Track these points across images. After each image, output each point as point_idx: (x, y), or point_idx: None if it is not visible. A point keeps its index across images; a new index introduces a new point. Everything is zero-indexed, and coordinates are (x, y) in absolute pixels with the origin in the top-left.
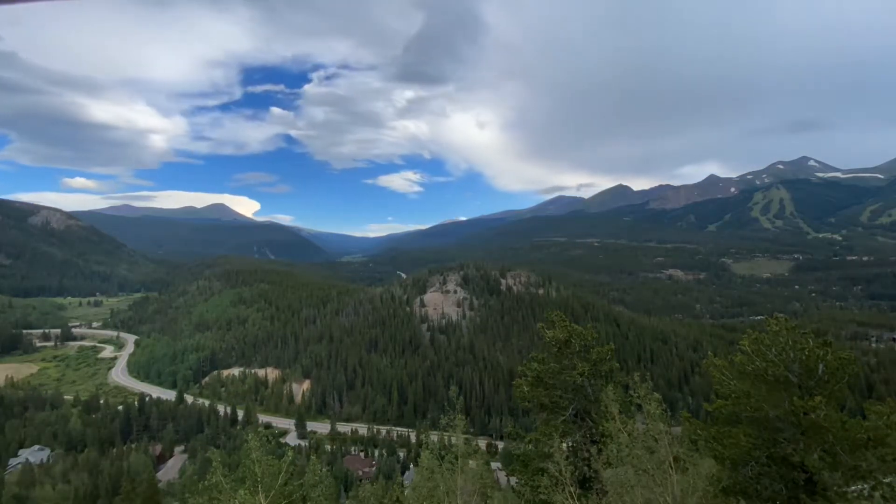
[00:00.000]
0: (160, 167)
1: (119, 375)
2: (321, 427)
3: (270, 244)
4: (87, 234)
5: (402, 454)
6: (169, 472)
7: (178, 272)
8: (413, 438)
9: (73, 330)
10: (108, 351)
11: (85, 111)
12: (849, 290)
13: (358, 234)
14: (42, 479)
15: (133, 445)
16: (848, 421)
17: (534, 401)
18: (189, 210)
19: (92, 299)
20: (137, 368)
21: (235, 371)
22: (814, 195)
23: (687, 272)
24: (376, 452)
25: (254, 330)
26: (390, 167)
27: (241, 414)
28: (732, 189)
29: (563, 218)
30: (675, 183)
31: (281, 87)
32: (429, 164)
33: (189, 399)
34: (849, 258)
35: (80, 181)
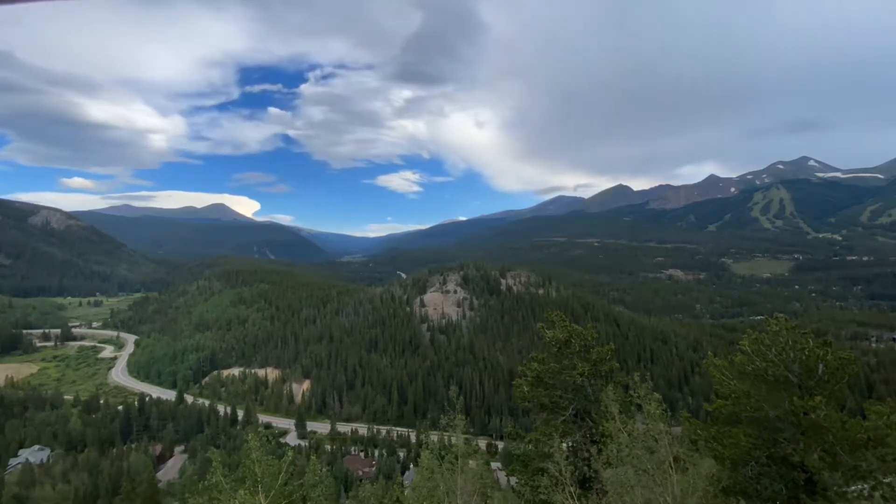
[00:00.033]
0: (159, 167)
1: (119, 375)
2: (321, 427)
3: (270, 244)
4: (87, 234)
5: (402, 454)
6: (169, 472)
7: (178, 272)
8: (413, 438)
9: (73, 330)
10: (108, 351)
11: (82, 111)
12: (849, 290)
13: (358, 234)
14: (42, 479)
15: (133, 445)
16: (848, 421)
17: (534, 401)
18: (189, 210)
19: (92, 299)
20: (137, 368)
21: (235, 371)
22: (814, 195)
23: (687, 272)
24: (376, 452)
25: (254, 330)
26: (389, 167)
27: (241, 414)
28: (732, 189)
29: (563, 218)
30: (675, 183)
31: (278, 87)
32: (427, 163)
33: (189, 399)
34: (849, 258)
35: (78, 181)
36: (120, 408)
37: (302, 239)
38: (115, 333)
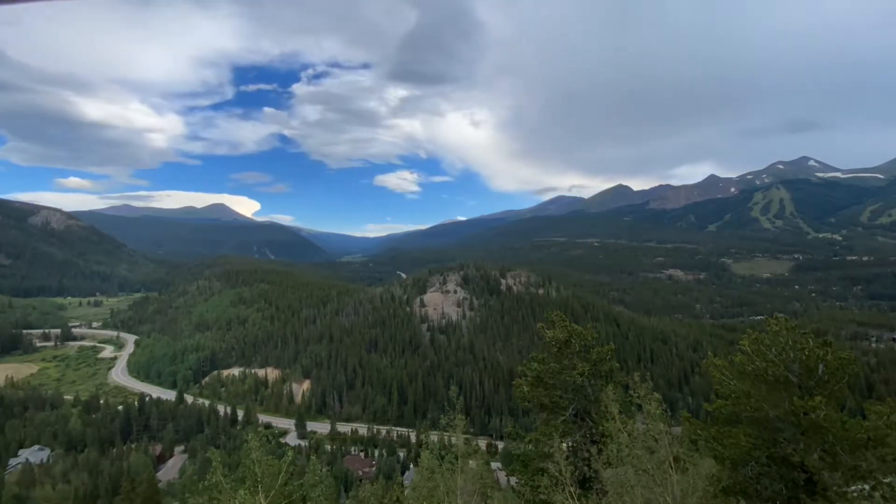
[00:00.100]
0: (157, 167)
1: (119, 375)
2: (321, 427)
3: (270, 244)
4: (87, 234)
5: (402, 454)
6: (169, 472)
7: (178, 272)
8: (413, 438)
9: (73, 330)
10: (108, 351)
11: (77, 109)
12: (849, 290)
13: (357, 234)
14: (42, 479)
15: (133, 445)
16: (848, 421)
17: (534, 401)
18: (189, 210)
19: (92, 299)
20: (137, 368)
21: (235, 371)
22: (814, 195)
23: (687, 272)
24: (376, 452)
25: (254, 330)
26: (387, 167)
27: (241, 414)
28: (732, 189)
29: (563, 218)
30: (672, 183)
31: (273, 87)
32: (425, 163)
33: (189, 399)
34: (849, 258)
35: (74, 181)
36: (120, 408)
37: (302, 239)
38: (115, 333)
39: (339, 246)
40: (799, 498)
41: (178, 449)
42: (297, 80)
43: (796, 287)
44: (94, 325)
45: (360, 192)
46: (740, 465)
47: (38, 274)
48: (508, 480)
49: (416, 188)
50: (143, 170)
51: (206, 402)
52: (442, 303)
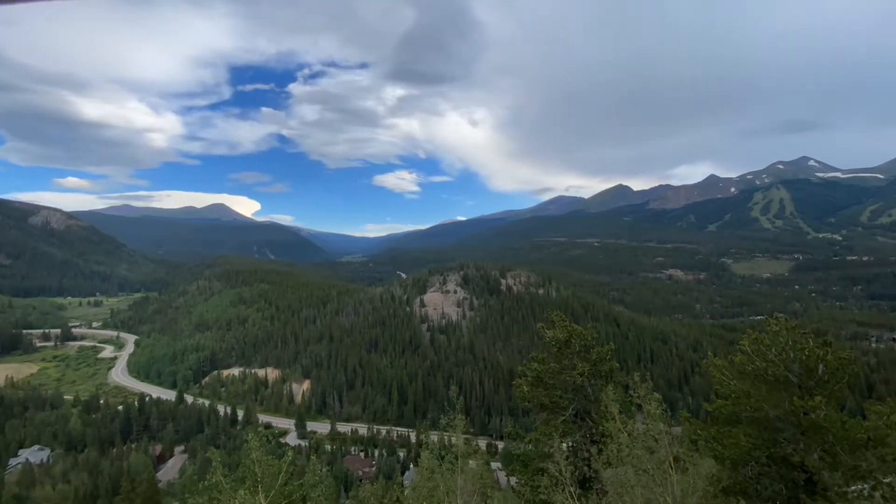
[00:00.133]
0: (156, 167)
1: (119, 375)
2: (321, 427)
3: (270, 244)
4: (87, 234)
5: (402, 454)
6: (169, 472)
7: (178, 272)
8: (413, 438)
9: (73, 330)
10: (108, 351)
11: (74, 108)
12: (849, 290)
13: (357, 234)
14: (42, 479)
15: (133, 445)
16: (848, 421)
17: (534, 401)
18: (189, 210)
19: (92, 299)
20: (137, 368)
21: (235, 371)
22: (814, 195)
23: (687, 272)
24: (376, 452)
25: (254, 330)
26: (386, 167)
27: (241, 414)
28: (732, 189)
29: (563, 218)
30: (674, 183)
31: (270, 87)
32: (424, 163)
33: (189, 399)
34: (849, 258)
35: (72, 181)
36: (120, 408)
37: (302, 239)
38: (115, 333)
39: (338, 246)
40: (799, 498)
41: (178, 449)
42: (294, 79)
43: (796, 287)
44: (94, 325)
45: (360, 192)
46: (740, 465)
47: (38, 274)
48: (508, 480)
49: (415, 188)
50: (142, 170)
51: (206, 402)
52: (442, 303)
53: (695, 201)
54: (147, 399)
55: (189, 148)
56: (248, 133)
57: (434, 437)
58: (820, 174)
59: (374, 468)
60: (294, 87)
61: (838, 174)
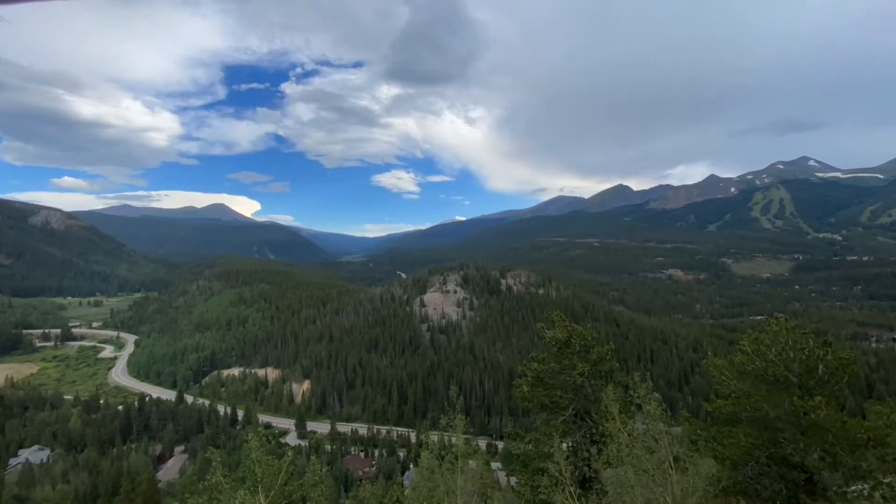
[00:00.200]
0: (155, 167)
1: (119, 375)
2: (321, 427)
3: (270, 244)
4: (87, 234)
5: (402, 454)
6: (169, 472)
7: (178, 272)
8: (413, 438)
9: (73, 330)
10: (108, 351)
11: (70, 108)
12: (849, 290)
13: (357, 234)
14: (42, 479)
15: (133, 445)
16: (848, 421)
17: (534, 401)
18: (189, 210)
19: (92, 299)
20: (137, 368)
21: (235, 371)
22: (814, 195)
23: (687, 272)
24: (376, 452)
25: (254, 330)
26: (383, 167)
27: (241, 414)
28: (732, 189)
29: (563, 218)
30: (674, 183)
31: (265, 86)
32: (422, 163)
33: (189, 399)
34: (849, 258)
35: (69, 181)
36: (120, 408)
37: (302, 239)
38: (115, 333)
39: (338, 246)
40: (799, 498)
41: (178, 449)
42: (287, 78)
43: (796, 287)
44: (94, 325)
45: (358, 191)
46: (740, 465)
47: (38, 274)
48: (508, 480)
49: (413, 188)
50: (140, 169)
51: (206, 402)
52: (442, 303)
53: (695, 201)
54: (147, 399)
55: (187, 148)
56: (245, 132)
57: (434, 437)
58: (820, 174)
59: (374, 468)
60: (287, 86)
61: (838, 174)
